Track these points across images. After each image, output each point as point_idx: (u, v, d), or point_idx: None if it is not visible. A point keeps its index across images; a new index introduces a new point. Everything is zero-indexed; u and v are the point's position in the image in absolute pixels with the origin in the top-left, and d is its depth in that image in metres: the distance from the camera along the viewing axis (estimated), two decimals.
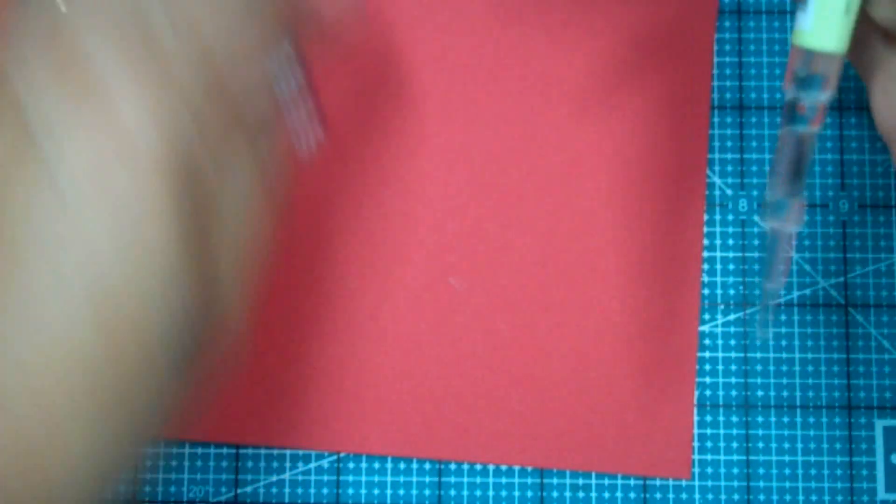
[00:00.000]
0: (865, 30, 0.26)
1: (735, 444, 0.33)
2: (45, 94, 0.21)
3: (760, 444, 0.33)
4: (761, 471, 0.33)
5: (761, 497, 0.33)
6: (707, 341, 0.33)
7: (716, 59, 0.34)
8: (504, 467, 0.33)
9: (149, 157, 0.20)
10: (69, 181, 0.20)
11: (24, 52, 0.21)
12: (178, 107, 0.21)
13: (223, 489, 0.33)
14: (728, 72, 0.34)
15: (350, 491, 0.33)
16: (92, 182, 0.20)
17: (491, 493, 0.33)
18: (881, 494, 0.33)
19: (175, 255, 0.21)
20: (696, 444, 0.33)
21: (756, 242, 0.34)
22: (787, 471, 0.33)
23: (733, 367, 0.33)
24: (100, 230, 0.20)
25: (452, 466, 0.33)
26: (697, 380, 0.33)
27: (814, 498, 0.33)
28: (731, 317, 0.33)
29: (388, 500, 0.33)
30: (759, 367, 0.33)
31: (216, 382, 0.23)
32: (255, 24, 0.23)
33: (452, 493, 0.33)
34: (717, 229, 0.34)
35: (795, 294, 0.33)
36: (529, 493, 0.33)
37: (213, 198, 0.22)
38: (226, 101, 0.22)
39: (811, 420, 0.33)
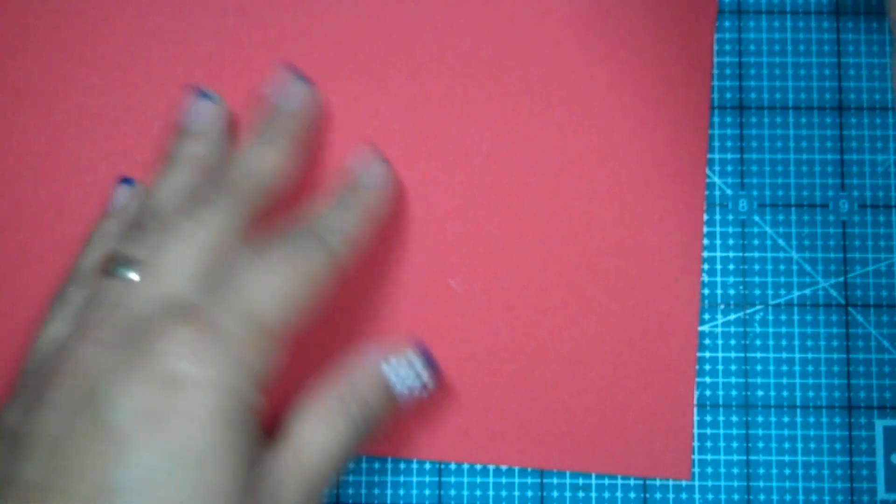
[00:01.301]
0: None
1: (735, 444, 0.33)
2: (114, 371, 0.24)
3: (760, 444, 0.33)
4: (761, 471, 0.33)
5: (761, 497, 0.33)
6: (707, 341, 0.33)
7: (716, 59, 0.34)
8: (504, 467, 0.33)
9: (205, 409, 0.24)
10: (130, 433, 0.24)
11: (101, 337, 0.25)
12: (233, 365, 0.25)
13: None
14: (728, 72, 0.34)
15: (350, 491, 0.33)
16: (151, 434, 0.24)
17: (491, 493, 0.33)
18: (881, 494, 0.33)
19: (233, 490, 0.24)
20: (696, 444, 0.33)
21: (756, 242, 0.34)
22: (787, 471, 0.33)
23: (733, 367, 0.33)
24: (161, 476, 0.23)
25: (452, 466, 0.33)
26: (697, 380, 0.33)
27: (814, 498, 0.33)
28: (731, 317, 0.33)
29: (388, 500, 0.33)
30: (759, 367, 0.33)
31: None
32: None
33: (452, 493, 0.33)
34: (717, 229, 0.34)
35: (795, 294, 0.33)
36: (529, 493, 0.33)
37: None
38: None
39: (811, 420, 0.33)
